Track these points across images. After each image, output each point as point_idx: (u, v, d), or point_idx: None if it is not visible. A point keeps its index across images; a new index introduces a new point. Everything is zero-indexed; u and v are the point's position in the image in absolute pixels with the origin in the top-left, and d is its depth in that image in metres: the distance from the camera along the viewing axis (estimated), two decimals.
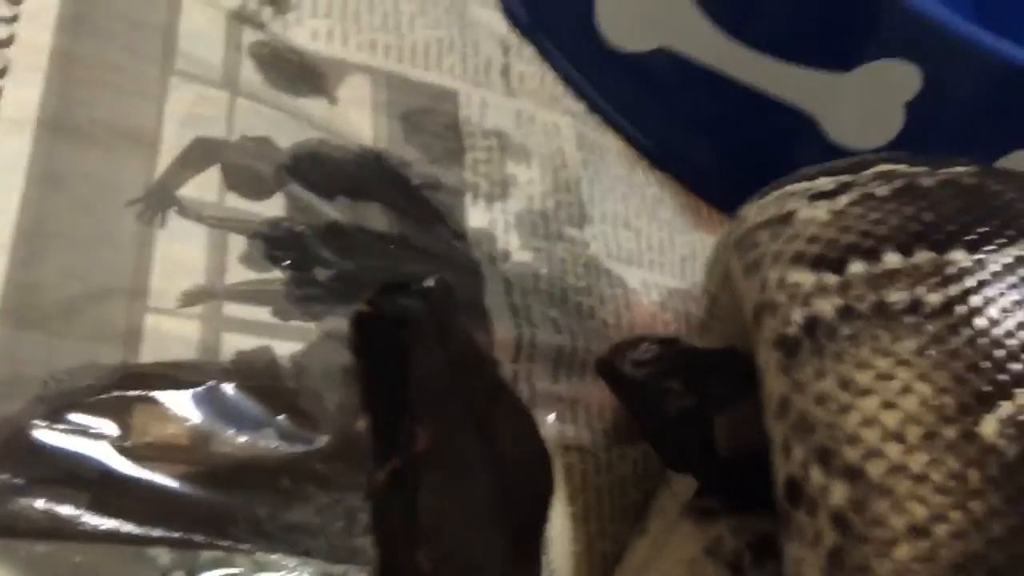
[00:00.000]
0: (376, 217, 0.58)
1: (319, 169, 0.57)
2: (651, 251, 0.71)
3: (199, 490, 0.46)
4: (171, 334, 0.48)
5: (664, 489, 0.58)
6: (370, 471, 0.39)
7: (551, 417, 0.57)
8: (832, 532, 0.38)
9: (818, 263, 0.42)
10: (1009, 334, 0.38)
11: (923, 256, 0.40)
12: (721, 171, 0.76)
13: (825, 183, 0.46)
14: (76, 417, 0.45)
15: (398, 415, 0.38)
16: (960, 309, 0.38)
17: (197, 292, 0.50)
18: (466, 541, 0.39)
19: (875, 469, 0.37)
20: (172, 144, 0.53)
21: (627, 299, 0.66)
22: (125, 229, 0.50)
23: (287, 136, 0.57)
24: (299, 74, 0.61)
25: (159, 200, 0.51)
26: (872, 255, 0.40)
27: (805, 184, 0.47)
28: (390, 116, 0.64)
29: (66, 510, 0.42)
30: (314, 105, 0.60)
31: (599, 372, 0.54)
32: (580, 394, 0.59)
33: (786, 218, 0.45)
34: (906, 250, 0.40)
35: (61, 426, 0.44)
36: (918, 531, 0.36)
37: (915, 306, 0.39)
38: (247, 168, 0.54)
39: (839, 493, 0.38)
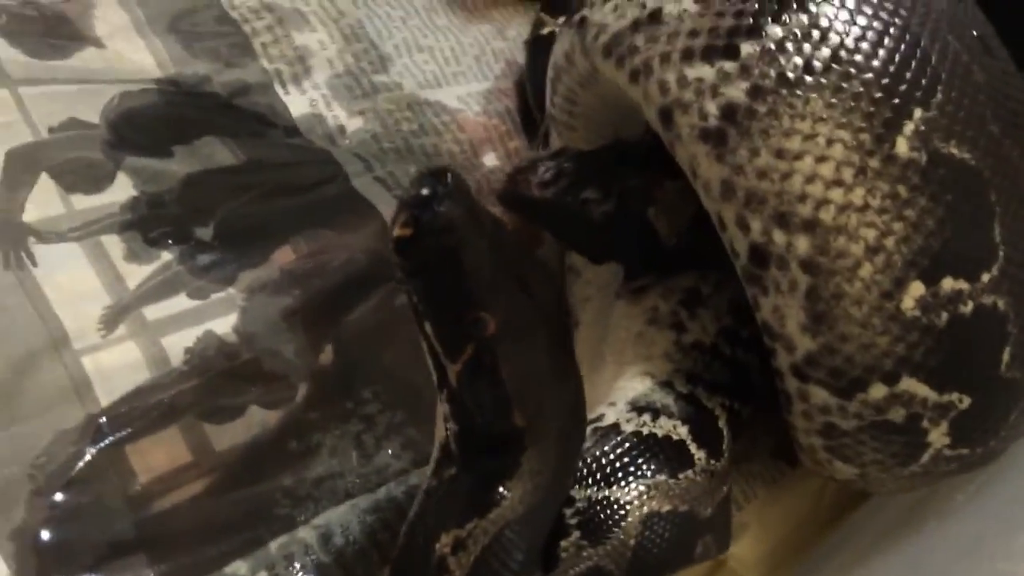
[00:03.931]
0: (217, 152, 0.54)
1: (139, 128, 0.52)
2: (449, 64, 0.71)
3: (229, 492, 0.45)
4: (116, 366, 0.45)
5: (576, 281, 0.63)
6: (440, 369, 0.40)
7: None
8: (804, 276, 0.44)
9: (710, 54, 0.45)
10: (888, 63, 0.43)
11: (796, 19, 0.44)
12: None
13: None
14: (78, 493, 0.42)
15: (457, 311, 0.39)
16: (845, 56, 0.43)
17: (112, 314, 0.46)
18: (545, 390, 0.42)
19: (827, 215, 0.43)
20: None
21: (456, 121, 0.67)
22: (2, 284, 0.44)
23: (87, 105, 0.51)
24: (50, 30, 0.53)
25: (11, 237, 0.45)
26: (755, 32, 0.44)
27: None
28: (159, 33, 0.58)
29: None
30: (88, 57, 0.53)
31: (503, 204, 0.55)
32: None
33: (654, 17, 0.47)
34: (779, 18, 0.44)
35: (71, 506, 0.42)
36: (873, 250, 0.43)
37: (808, 67, 0.43)
38: (74, 161, 0.49)
39: (803, 244, 0.44)
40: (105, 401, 0.44)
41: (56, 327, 0.44)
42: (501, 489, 0.41)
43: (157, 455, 0.44)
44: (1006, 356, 0.46)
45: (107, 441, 0.43)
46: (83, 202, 0.48)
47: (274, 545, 0.44)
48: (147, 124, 0.52)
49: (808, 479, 0.64)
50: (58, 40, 0.53)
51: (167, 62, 0.57)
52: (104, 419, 0.44)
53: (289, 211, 0.53)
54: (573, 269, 0.63)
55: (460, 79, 0.71)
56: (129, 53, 0.56)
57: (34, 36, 0.52)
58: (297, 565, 0.44)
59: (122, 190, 0.50)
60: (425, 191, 0.37)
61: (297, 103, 0.60)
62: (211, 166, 0.53)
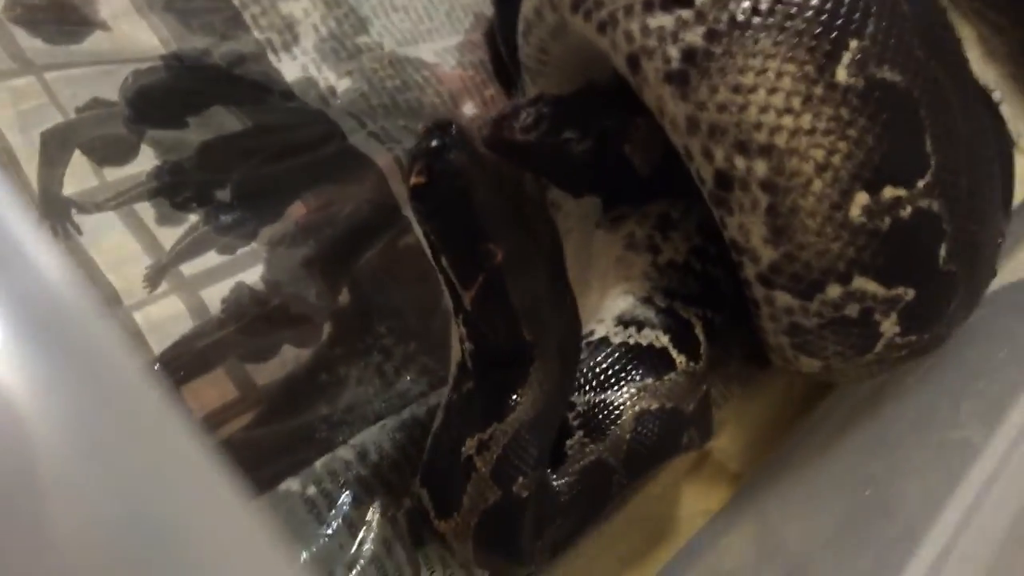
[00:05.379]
0: (225, 119, 0.59)
1: (154, 103, 0.56)
2: (423, 22, 0.76)
3: (275, 422, 0.51)
4: (163, 318, 0.50)
5: (557, 215, 0.68)
6: (455, 297, 0.46)
7: None
8: (764, 195, 0.50)
9: (668, 4, 0.50)
10: (825, 1, 0.49)
11: None
12: None
13: None
14: None
15: (469, 245, 0.44)
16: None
17: (153, 272, 0.51)
18: (547, 310, 0.48)
19: (780, 140, 0.49)
20: (26, 152, 0.51)
21: (435, 75, 0.72)
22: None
23: (106, 85, 0.56)
24: (62, 17, 0.57)
25: (56, 211, 0.50)
26: None
27: None
28: (158, 12, 0.62)
29: None
30: (98, 40, 0.58)
31: (491, 148, 0.59)
32: None
33: None
34: None
35: None
36: (822, 167, 0.49)
37: (756, 9, 0.49)
38: (102, 137, 0.53)
39: (761, 167, 0.50)
40: (157, 349, 0.50)
41: (107, 288, 0.50)
42: (515, 397, 0.47)
43: (208, 393, 0.50)
44: (943, 252, 0.53)
45: (166, 383, 0.49)
46: (114, 174, 0.53)
47: (319, 464, 0.50)
48: (160, 98, 0.57)
49: (778, 378, 0.71)
50: (71, 26, 0.57)
51: (168, 39, 0.61)
52: (158, 365, 0.49)
53: (296, 169, 0.59)
54: (554, 204, 0.69)
55: (435, 35, 0.75)
56: (134, 33, 0.60)
57: (49, 24, 0.57)
58: (341, 479, 0.50)
59: (147, 160, 0.55)
60: (435, 142, 0.43)
61: (290, 69, 0.65)
62: (222, 133, 0.58)
